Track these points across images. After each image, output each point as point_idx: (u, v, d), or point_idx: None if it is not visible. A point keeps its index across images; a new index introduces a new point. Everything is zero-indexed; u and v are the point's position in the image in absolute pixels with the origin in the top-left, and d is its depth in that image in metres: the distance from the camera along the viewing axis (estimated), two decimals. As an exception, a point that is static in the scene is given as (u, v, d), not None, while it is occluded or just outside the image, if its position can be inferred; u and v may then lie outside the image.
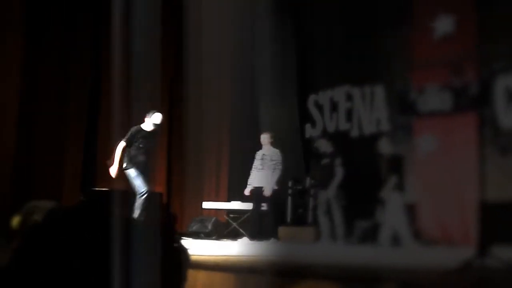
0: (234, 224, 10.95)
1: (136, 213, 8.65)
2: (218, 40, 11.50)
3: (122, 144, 8.89)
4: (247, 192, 10.16)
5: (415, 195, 9.12)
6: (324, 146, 9.85)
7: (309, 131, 11.44)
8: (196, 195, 11.69)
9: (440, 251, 7.75)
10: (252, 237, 9.76)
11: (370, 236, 9.06)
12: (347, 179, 9.52)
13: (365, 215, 9.34)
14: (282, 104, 11.51)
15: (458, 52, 8.68)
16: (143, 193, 8.74)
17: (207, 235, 10.66)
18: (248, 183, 10.16)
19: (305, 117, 11.46)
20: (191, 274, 4.52)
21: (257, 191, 9.99)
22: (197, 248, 7.76)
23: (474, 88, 8.50)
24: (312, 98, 11.44)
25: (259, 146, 10.36)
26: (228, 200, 11.45)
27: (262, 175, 10.00)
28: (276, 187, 9.97)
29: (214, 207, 11.34)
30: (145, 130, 8.99)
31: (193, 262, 4.72)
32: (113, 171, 8.80)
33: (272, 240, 9.70)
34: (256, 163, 10.13)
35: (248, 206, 10.67)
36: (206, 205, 11.34)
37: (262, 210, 9.98)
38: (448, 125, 8.79)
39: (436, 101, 9.09)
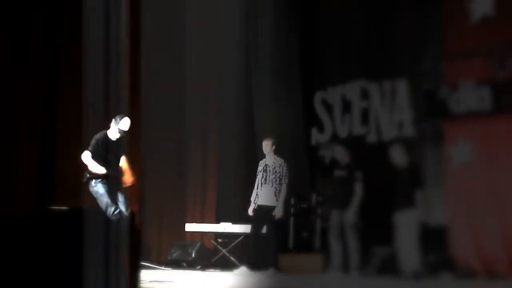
0: (223, 251, 10.50)
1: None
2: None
3: (87, 153, 8.46)
4: (250, 211, 9.61)
5: (448, 215, 8.47)
6: (340, 154, 9.37)
7: (316, 137, 10.65)
8: (178, 216, 11.42)
9: (478, 284, 7.48)
10: (253, 266, 9.28)
11: (390, 265, 8.52)
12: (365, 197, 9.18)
13: (384, 240, 8.73)
14: (283, 104, 10.97)
15: (500, 39, 8.03)
16: (114, 212, 8.32)
17: (190, 264, 10.39)
18: (252, 201, 9.65)
19: (311, 119, 10.78)
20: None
21: (259, 210, 9.47)
22: (178, 280, 7.73)
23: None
24: (319, 96, 10.66)
25: (257, 153, 10.05)
26: (217, 222, 11.03)
27: (265, 190, 9.51)
28: (280, 204, 9.47)
29: (200, 229, 10.92)
30: (111, 139, 8.59)
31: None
32: (99, 169, 8.38)
33: (271, 270, 9.22)
34: (259, 175, 9.63)
35: (240, 228, 10.33)
36: (190, 227, 10.88)
37: (262, 233, 9.56)
38: (489, 129, 8.14)
39: (474, 100, 8.37)
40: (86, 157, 8.46)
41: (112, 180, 8.53)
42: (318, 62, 10.93)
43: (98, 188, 8.45)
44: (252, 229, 9.59)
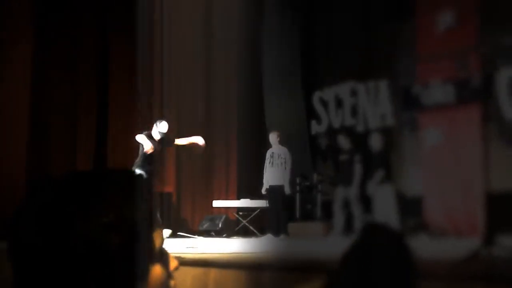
0: (244, 222, 10.99)
1: None
2: (224, 38, 11.57)
3: (141, 135, 8.96)
4: (263, 191, 10.18)
5: (422, 187, 9.13)
6: (343, 142, 9.83)
7: (315, 128, 11.51)
8: (207, 194, 11.75)
9: (447, 243, 7.63)
10: (276, 233, 9.74)
11: None
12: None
13: (368, 209, 9.35)
14: (288, 101, 11.55)
15: (461, 45, 8.65)
16: None
17: (218, 233, 10.68)
18: (264, 182, 10.19)
19: (311, 114, 11.53)
20: (203, 272, 4.66)
21: (271, 189, 10.03)
22: (210, 245, 7.77)
23: (477, 81, 8.50)
24: (317, 95, 11.48)
25: (266, 143, 10.38)
26: (238, 198, 11.51)
27: (273, 173, 10.04)
28: (286, 184, 10.02)
29: (224, 205, 11.36)
30: (153, 138, 9.07)
31: (205, 260, 4.91)
32: (149, 147, 8.83)
33: (283, 236, 9.74)
34: (267, 161, 10.16)
35: (257, 203, 10.79)
36: (216, 203, 11.35)
37: (277, 207, 10.02)
38: (453, 117, 8.76)
39: (440, 94, 9.03)
40: (139, 136, 8.87)
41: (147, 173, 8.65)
42: (315, 68, 11.63)
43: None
44: (269, 204, 10.12)
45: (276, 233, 9.73)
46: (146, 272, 1.08)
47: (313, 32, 11.70)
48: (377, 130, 9.86)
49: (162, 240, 1.14)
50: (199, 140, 9.24)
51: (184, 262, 4.69)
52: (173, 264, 1.16)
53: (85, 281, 1.03)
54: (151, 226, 1.11)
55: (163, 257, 1.14)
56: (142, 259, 1.06)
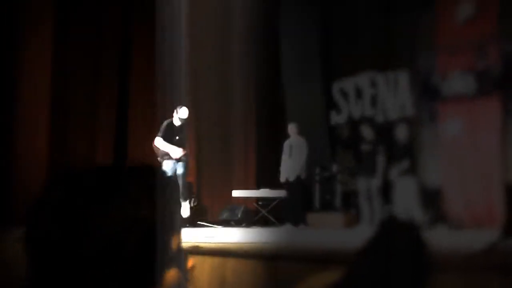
0: (263, 212, 10.97)
1: None
2: (242, 30, 11.44)
3: (159, 139, 9.03)
4: (282, 180, 10.23)
5: (441, 179, 9.10)
6: (366, 132, 9.75)
7: (334, 118, 11.48)
8: (226, 184, 11.76)
9: (467, 234, 7.56)
10: (294, 223, 9.77)
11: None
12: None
13: (389, 200, 9.21)
14: (307, 91, 11.53)
15: (481, 35, 8.62)
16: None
17: (237, 223, 10.72)
18: (282, 171, 10.23)
19: (330, 104, 11.48)
20: (221, 261, 4.70)
21: (288, 179, 10.11)
22: (229, 235, 7.77)
23: (497, 71, 8.47)
24: (336, 85, 11.44)
25: (286, 133, 10.40)
26: (257, 188, 11.50)
27: (291, 164, 10.10)
28: (303, 174, 10.04)
29: (244, 195, 11.35)
30: (175, 125, 9.11)
31: (223, 250, 4.94)
32: (176, 153, 8.96)
33: (302, 226, 9.75)
34: (285, 153, 10.20)
35: (276, 193, 10.77)
36: (236, 193, 11.35)
37: (295, 197, 10.07)
38: (473, 108, 8.75)
39: (460, 85, 9.04)
40: (159, 142, 8.98)
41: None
42: (335, 58, 11.54)
43: (165, 165, 8.92)
44: (288, 195, 10.15)
45: (295, 223, 9.75)
46: (160, 275, 1.07)
47: (332, 23, 11.64)
48: (400, 121, 9.79)
49: (180, 241, 1.13)
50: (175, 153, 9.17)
51: (202, 252, 4.74)
52: (189, 264, 1.15)
53: (100, 277, 1.02)
54: (171, 227, 1.10)
55: (180, 258, 1.12)
56: (157, 261, 1.05)
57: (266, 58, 11.49)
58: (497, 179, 7.84)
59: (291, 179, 10.04)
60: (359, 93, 11.10)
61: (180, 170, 9.02)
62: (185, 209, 9.04)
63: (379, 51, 10.54)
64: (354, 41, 10.93)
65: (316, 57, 11.67)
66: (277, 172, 10.31)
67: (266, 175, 11.49)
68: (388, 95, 10.61)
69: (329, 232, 8.98)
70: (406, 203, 8.75)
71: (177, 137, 9.05)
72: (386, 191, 9.16)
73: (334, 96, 11.44)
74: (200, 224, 9.87)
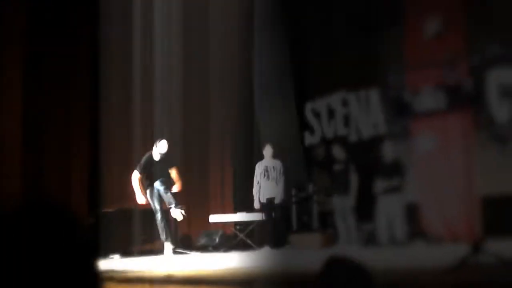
0: (241, 236, 10.85)
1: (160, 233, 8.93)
2: (219, 51, 11.65)
3: (136, 174, 8.96)
4: (256, 205, 10.19)
5: (417, 194, 9.12)
6: (337, 152, 9.83)
7: (308, 139, 11.51)
8: (203, 209, 11.69)
9: (444, 249, 7.71)
10: (273, 245, 9.77)
11: (373, 237, 9.17)
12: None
13: (367, 217, 9.37)
14: (280, 113, 11.57)
15: (450, 51, 8.68)
16: (159, 219, 9.07)
17: (215, 248, 10.63)
18: (255, 195, 10.18)
19: (304, 125, 11.55)
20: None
21: (269, 202, 10.08)
22: (207, 262, 7.77)
23: (467, 86, 8.55)
24: (309, 106, 11.51)
25: (261, 156, 10.42)
26: (234, 212, 11.40)
27: (270, 186, 10.10)
28: (282, 196, 10.10)
29: (221, 220, 11.25)
30: (154, 159, 9.06)
31: (197, 278, 4.90)
32: (140, 199, 8.96)
33: (285, 247, 9.78)
34: (260, 174, 10.16)
35: (254, 216, 10.71)
36: (213, 218, 11.24)
37: (275, 219, 10.08)
38: (445, 124, 8.79)
39: (431, 101, 9.07)
40: (134, 179, 8.89)
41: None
42: (307, 79, 11.62)
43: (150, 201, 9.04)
44: (267, 217, 10.11)
45: (275, 245, 9.74)
46: None
47: (303, 44, 11.69)
48: (386, 138, 9.90)
49: None
50: (179, 186, 9.37)
51: (175, 281, 4.69)
52: None
53: None
54: None
55: None
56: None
57: (242, 81, 11.58)
58: (471, 193, 7.88)
59: (271, 201, 10.03)
60: (331, 113, 11.15)
61: (161, 190, 9.05)
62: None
63: (350, 70, 10.58)
64: (325, 61, 11.04)
65: (288, 78, 11.71)
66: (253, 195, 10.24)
67: (243, 198, 11.38)
68: (360, 114, 10.67)
69: (308, 253, 8.93)
70: (389, 219, 8.89)
71: (155, 171, 9.07)
72: (367, 209, 9.23)
73: (307, 116, 11.48)
74: (178, 251, 9.71)
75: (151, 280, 5.05)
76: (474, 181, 7.91)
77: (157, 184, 9.05)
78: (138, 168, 9.01)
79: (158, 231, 9.20)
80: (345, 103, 10.92)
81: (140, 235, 10.08)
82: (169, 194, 9.08)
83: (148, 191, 9.08)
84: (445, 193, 8.57)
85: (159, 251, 9.58)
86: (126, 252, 9.63)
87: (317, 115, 11.39)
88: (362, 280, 1.27)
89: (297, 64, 11.72)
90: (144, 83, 10.39)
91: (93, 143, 10.35)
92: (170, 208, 9.12)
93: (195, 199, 11.69)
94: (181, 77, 11.21)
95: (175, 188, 9.35)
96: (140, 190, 8.91)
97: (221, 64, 11.76)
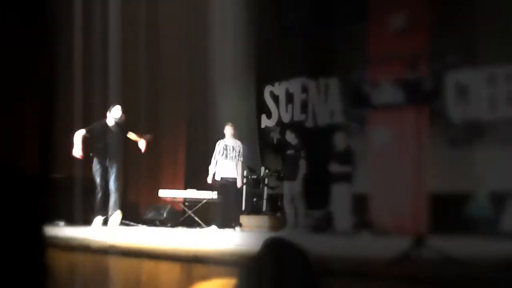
0: (189, 212, 10.77)
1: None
2: (179, 29, 11.53)
3: (81, 132, 8.80)
4: (209, 180, 10.09)
5: (368, 185, 9.22)
6: (291, 138, 9.82)
7: (265, 122, 11.50)
8: (153, 183, 11.57)
9: (390, 241, 7.25)
10: (221, 225, 9.72)
11: (323, 225, 9.16)
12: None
13: (318, 205, 9.41)
14: (239, 94, 11.48)
15: (412, 47, 8.72)
16: (98, 193, 8.82)
17: (162, 223, 10.55)
18: (210, 171, 10.05)
19: (261, 108, 11.51)
20: (137, 262, 4.63)
21: (224, 182, 9.99)
22: (151, 236, 7.60)
23: (426, 83, 8.64)
24: (268, 89, 11.48)
25: (215, 134, 10.33)
26: (185, 188, 11.35)
27: (227, 165, 10.00)
28: (239, 176, 10.02)
29: (170, 195, 11.14)
30: (108, 125, 8.93)
31: (139, 251, 4.86)
32: (76, 152, 8.73)
33: (237, 228, 9.72)
34: (219, 153, 10.06)
35: (204, 194, 10.68)
36: (162, 193, 11.10)
37: (228, 199, 10.01)
38: (401, 117, 8.81)
39: (390, 95, 9.15)
40: (78, 135, 8.70)
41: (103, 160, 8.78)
42: (268, 63, 11.56)
43: (93, 166, 8.86)
44: (220, 196, 10.07)
45: (222, 225, 9.71)
46: None
47: (266, 27, 11.62)
48: (338, 128, 9.88)
49: None
50: (143, 144, 9.20)
51: (118, 252, 4.64)
52: None
53: None
54: None
55: None
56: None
57: (198, 57, 11.39)
58: (420, 188, 7.87)
59: (227, 181, 9.94)
60: (290, 98, 11.11)
61: (113, 175, 8.82)
62: (117, 218, 8.81)
63: (311, 58, 10.62)
64: (288, 46, 11.00)
65: (250, 61, 11.61)
66: (206, 173, 10.16)
67: (195, 176, 11.36)
68: (318, 101, 10.68)
69: (255, 234, 8.91)
70: (338, 208, 8.94)
71: (105, 140, 8.88)
72: (318, 196, 9.28)
73: (265, 99, 11.46)
74: (125, 222, 9.57)
75: (94, 250, 5.01)
76: (424, 177, 7.89)
77: (113, 175, 8.92)
78: (86, 128, 8.91)
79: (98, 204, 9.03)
80: (304, 89, 10.90)
81: (83, 204, 9.90)
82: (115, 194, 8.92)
83: (97, 162, 8.90)
84: (394, 186, 8.67)
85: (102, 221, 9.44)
86: (71, 220, 9.48)
87: (275, 99, 11.39)
88: (300, 262, 1.26)
89: (259, 47, 11.64)
90: (101, 51, 10.16)
91: (48, 108, 10.61)
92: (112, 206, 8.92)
93: (146, 172, 11.60)
94: (138, 49, 11.09)
95: (141, 145, 9.20)
96: (79, 145, 8.70)
97: (180, 41, 11.73)
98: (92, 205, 9.06)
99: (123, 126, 9.12)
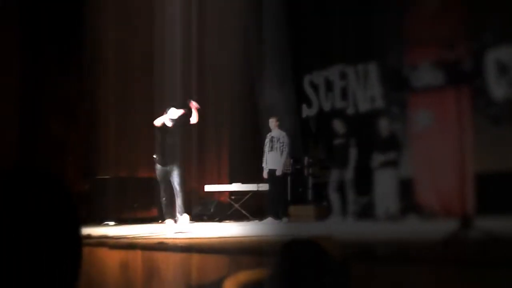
0: (236, 206, 10.89)
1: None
2: (218, 26, 11.54)
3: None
4: (264, 175, 10.12)
5: (413, 169, 9.16)
6: (338, 126, 9.79)
7: (306, 111, 11.45)
8: (199, 179, 11.64)
9: (437, 224, 7.55)
10: (276, 216, 9.75)
11: (368, 211, 9.13)
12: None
13: (363, 191, 9.36)
14: (279, 85, 11.45)
15: (449, 28, 8.67)
16: (162, 194, 8.69)
17: (210, 217, 10.66)
18: (263, 166, 10.13)
19: (302, 98, 11.45)
20: (188, 257, 4.64)
21: (271, 173, 10.04)
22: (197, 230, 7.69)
23: (465, 62, 8.55)
24: (307, 79, 11.41)
25: (259, 127, 10.37)
26: (230, 182, 11.43)
27: (272, 157, 10.06)
28: (286, 167, 10.04)
29: (216, 189, 11.26)
30: (166, 125, 8.79)
31: (189, 245, 4.88)
32: (158, 122, 8.62)
33: (284, 219, 9.77)
34: (266, 145, 10.15)
35: (249, 187, 10.77)
36: (208, 188, 11.23)
37: (277, 190, 10.04)
38: (442, 99, 8.76)
39: (429, 77, 9.12)
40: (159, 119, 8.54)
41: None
42: (306, 52, 11.44)
43: (156, 170, 8.66)
44: (270, 188, 10.12)
45: (277, 216, 9.73)
46: None
47: (302, 16, 11.56)
48: (382, 114, 9.77)
49: None
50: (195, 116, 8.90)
51: (167, 248, 4.69)
52: None
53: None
54: None
55: None
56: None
57: (238, 54, 11.26)
58: (466, 169, 7.50)
59: (273, 172, 9.96)
60: (329, 86, 11.06)
61: (176, 178, 8.59)
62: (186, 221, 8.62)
63: (348, 45, 10.57)
64: (325, 34, 10.91)
65: (287, 51, 11.54)
66: (250, 166, 10.28)
67: (239, 169, 11.41)
68: (358, 87, 10.58)
69: (306, 224, 9.13)
70: (384, 193, 8.87)
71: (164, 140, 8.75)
72: (363, 183, 9.21)
73: (305, 89, 11.40)
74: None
75: (143, 247, 5.02)
76: (469, 157, 7.76)
77: (175, 174, 8.67)
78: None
79: (158, 201, 9.00)
80: (343, 76, 10.82)
81: (134, 203, 9.98)
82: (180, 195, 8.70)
83: (159, 166, 8.76)
84: (439, 169, 8.64)
85: (153, 219, 9.45)
86: (120, 219, 9.59)
87: (315, 87, 11.32)
88: (321, 262, 1.30)
89: (296, 37, 11.58)
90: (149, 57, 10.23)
91: (92, 111, 10.80)
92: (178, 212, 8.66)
93: (191, 168, 11.46)
94: (179, 47, 11.18)
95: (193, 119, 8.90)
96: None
97: (219, 34, 11.68)
98: (141, 202, 9.05)
99: (184, 120, 8.91)
